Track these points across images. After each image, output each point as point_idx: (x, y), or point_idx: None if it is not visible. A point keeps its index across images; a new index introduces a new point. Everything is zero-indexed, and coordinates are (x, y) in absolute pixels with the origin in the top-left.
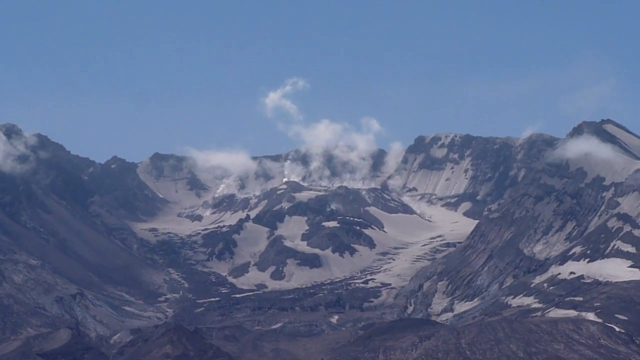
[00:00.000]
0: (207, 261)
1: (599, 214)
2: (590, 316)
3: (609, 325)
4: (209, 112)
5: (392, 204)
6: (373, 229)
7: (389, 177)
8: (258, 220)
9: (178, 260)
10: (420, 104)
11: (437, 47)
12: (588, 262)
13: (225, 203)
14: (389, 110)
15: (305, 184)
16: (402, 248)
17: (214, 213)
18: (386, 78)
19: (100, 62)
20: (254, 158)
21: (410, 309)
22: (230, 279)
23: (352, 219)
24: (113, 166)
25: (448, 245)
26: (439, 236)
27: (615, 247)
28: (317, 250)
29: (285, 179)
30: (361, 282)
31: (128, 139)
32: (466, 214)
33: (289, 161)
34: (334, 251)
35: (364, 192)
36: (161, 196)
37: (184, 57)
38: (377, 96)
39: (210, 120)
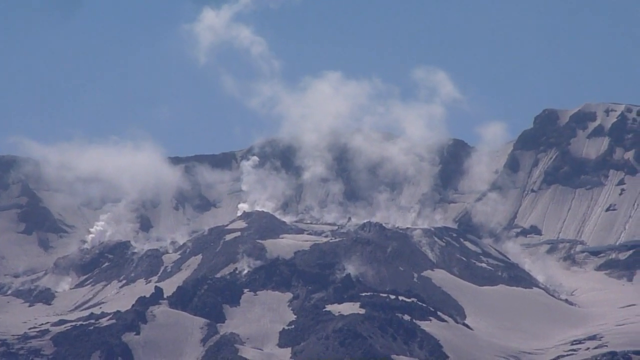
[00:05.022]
0: None
1: None
2: None
3: None
4: None
5: (483, 263)
6: (440, 319)
7: (478, 199)
8: (182, 301)
9: None
10: None
11: None
12: None
13: (107, 264)
14: None
15: (287, 219)
16: None
17: (80, 285)
18: None
19: None
20: (174, 160)
21: None
22: None
23: (391, 297)
24: None
25: (613, 357)
26: (594, 337)
27: None
28: None
29: (242, 206)
30: None
31: None
32: None
33: (250, 160)
34: None
35: (416, 233)
36: None
37: None
38: None
39: None
